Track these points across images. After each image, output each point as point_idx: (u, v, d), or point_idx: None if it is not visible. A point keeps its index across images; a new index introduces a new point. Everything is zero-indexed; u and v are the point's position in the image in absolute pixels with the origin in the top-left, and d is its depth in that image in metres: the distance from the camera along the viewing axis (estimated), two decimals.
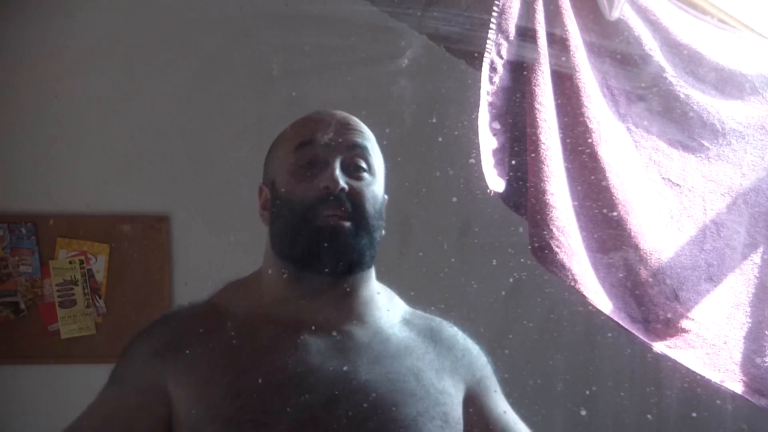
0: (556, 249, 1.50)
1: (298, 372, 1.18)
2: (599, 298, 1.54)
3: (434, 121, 2.50)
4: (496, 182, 1.51)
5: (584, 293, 1.52)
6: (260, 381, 1.17)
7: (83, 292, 2.74)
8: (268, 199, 1.30)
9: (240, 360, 1.20)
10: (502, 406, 1.35)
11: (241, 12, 2.68)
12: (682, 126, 1.69)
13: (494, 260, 2.47)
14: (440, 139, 2.45)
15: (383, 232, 1.30)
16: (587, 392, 2.61)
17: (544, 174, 1.51)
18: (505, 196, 1.55)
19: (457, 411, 1.26)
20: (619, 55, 1.64)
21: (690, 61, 1.70)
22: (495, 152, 1.52)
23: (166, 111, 2.75)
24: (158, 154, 2.76)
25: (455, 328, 1.37)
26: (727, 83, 1.74)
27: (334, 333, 1.24)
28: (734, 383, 1.64)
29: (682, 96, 1.68)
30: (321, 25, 2.57)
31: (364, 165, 1.26)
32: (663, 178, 1.67)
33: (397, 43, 2.20)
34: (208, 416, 1.16)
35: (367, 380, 1.20)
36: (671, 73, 1.67)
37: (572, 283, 1.51)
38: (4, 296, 2.71)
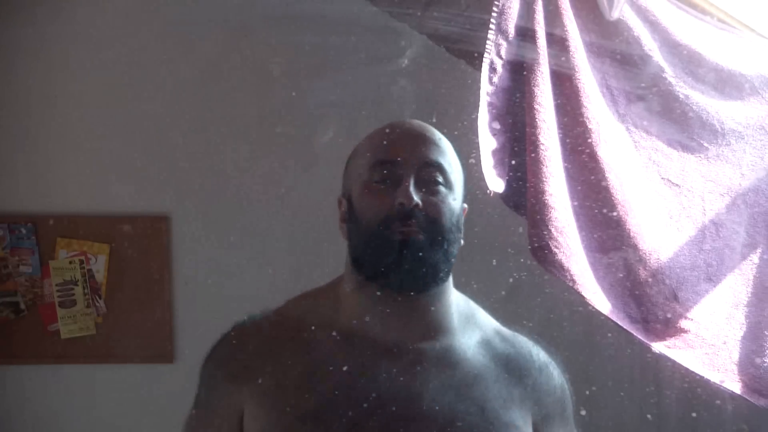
0: (555, 249, 1.50)
1: (363, 392, 1.19)
2: (598, 298, 1.54)
3: (434, 121, 2.50)
4: (495, 182, 1.51)
5: (583, 293, 1.52)
6: (324, 402, 1.18)
7: (83, 292, 2.74)
8: (346, 212, 1.30)
9: (308, 380, 1.21)
10: None
11: (241, 12, 2.68)
12: (682, 126, 1.69)
13: (494, 260, 2.47)
14: None
15: (462, 242, 1.30)
16: (587, 392, 2.60)
17: (544, 174, 1.51)
18: (504, 196, 1.55)
19: None
20: (619, 55, 1.64)
21: (689, 62, 1.70)
22: (495, 152, 1.52)
23: (166, 111, 2.75)
24: (158, 154, 2.76)
25: (535, 354, 1.35)
26: (726, 83, 1.74)
27: (406, 353, 1.24)
28: (734, 383, 1.64)
29: (681, 96, 1.68)
30: (321, 25, 2.57)
31: (439, 179, 1.26)
32: (662, 178, 1.67)
33: (397, 43, 2.21)
34: None
35: (430, 408, 1.20)
36: (671, 74, 1.67)
37: (571, 284, 1.51)
38: (4, 296, 2.71)
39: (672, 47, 1.69)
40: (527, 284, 2.42)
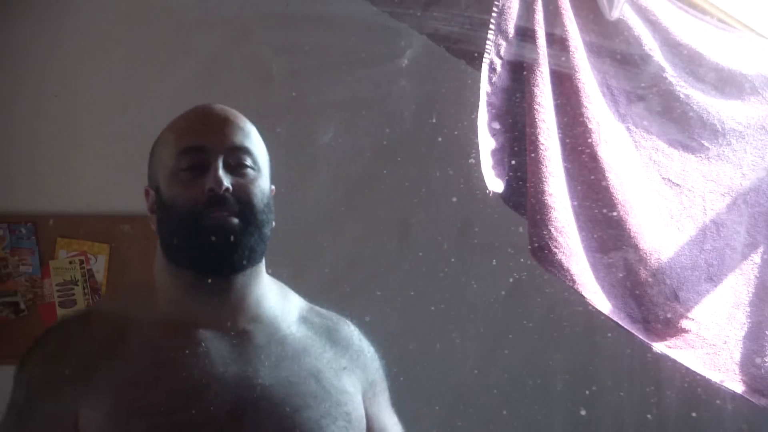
0: (556, 249, 1.50)
1: (201, 381, 1.18)
2: (599, 298, 1.54)
3: (434, 121, 2.50)
4: (494, 183, 1.51)
5: (583, 293, 1.52)
6: (163, 395, 1.16)
7: (83, 292, 2.73)
8: (155, 202, 1.28)
9: (141, 374, 1.19)
10: (387, 416, 1.35)
11: (241, 12, 2.68)
12: (682, 126, 1.69)
13: (494, 260, 2.47)
14: (440, 139, 2.46)
15: (273, 224, 1.29)
16: (587, 392, 2.60)
17: (544, 174, 1.51)
18: (504, 196, 1.55)
19: (358, 410, 1.27)
20: (619, 55, 1.64)
21: (690, 61, 1.70)
22: (494, 152, 1.52)
23: (166, 111, 2.74)
24: None
25: (351, 327, 1.37)
26: (727, 83, 1.74)
27: (232, 336, 1.23)
28: (734, 383, 1.64)
29: (682, 96, 1.68)
30: (321, 25, 2.57)
31: (247, 162, 1.25)
32: (663, 178, 1.67)
33: (397, 43, 2.21)
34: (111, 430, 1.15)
35: (270, 385, 1.20)
36: (671, 73, 1.67)
37: (571, 284, 1.51)
38: (4, 296, 2.71)
39: (672, 47, 1.69)
40: (527, 284, 2.43)
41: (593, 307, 1.55)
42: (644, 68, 1.66)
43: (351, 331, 1.36)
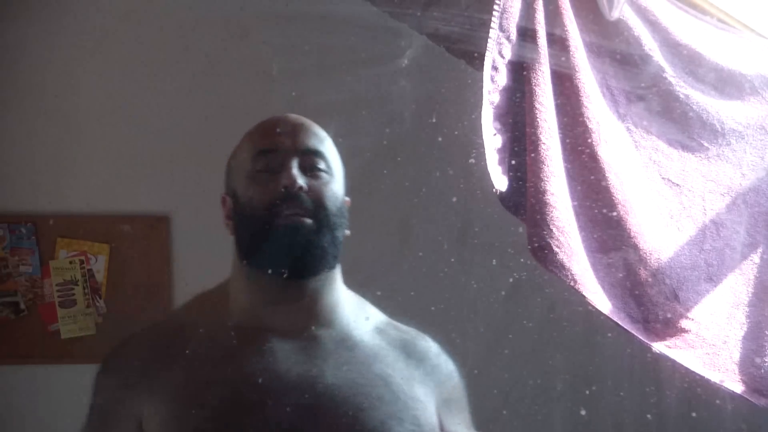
0: (556, 249, 1.50)
1: (266, 380, 1.19)
2: (598, 298, 1.54)
3: (434, 121, 2.50)
4: (500, 181, 1.51)
5: (583, 293, 1.52)
6: (229, 393, 1.18)
7: (83, 292, 2.74)
8: (231, 209, 1.31)
9: (209, 374, 1.21)
10: None
11: (241, 12, 2.69)
12: (682, 126, 1.69)
13: (494, 260, 2.47)
14: (440, 139, 2.46)
15: (347, 232, 1.31)
16: (587, 392, 2.61)
17: (544, 174, 1.51)
18: (504, 197, 1.55)
19: (430, 419, 1.26)
20: (619, 55, 1.64)
21: (690, 61, 1.70)
22: (496, 152, 1.52)
23: (166, 111, 2.75)
24: (158, 154, 2.76)
25: (430, 343, 1.37)
26: (726, 83, 1.74)
27: (301, 338, 1.25)
28: (734, 383, 1.63)
29: (681, 96, 1.68)
30: (321, 25, 2.58)
31: (321, 165, 1.28)
32: (663, 178, 1.67)
33: (397, 43, 2.20)
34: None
35: (334, 385, 1.20)
36: (671, 73, 1.67)
37: (571, 283, 1.51)
38: (4, 296, 2.71)
39: (672, 47, 1.69)
40: (527, 284, 2.43)
41: (593, 307, 1.55)
42: (644, 68, 1.66)
43: (429, 346, 1.35)
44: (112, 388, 1.27)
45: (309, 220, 1.22)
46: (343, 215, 1.29)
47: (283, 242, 1.22)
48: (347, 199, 1.33)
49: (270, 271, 1.24)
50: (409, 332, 1.37)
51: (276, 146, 1.28)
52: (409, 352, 1.32)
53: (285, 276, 1.24)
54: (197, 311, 1.33)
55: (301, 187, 1.23)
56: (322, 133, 1.33)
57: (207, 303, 1.34)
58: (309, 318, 1.27)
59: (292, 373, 1.20)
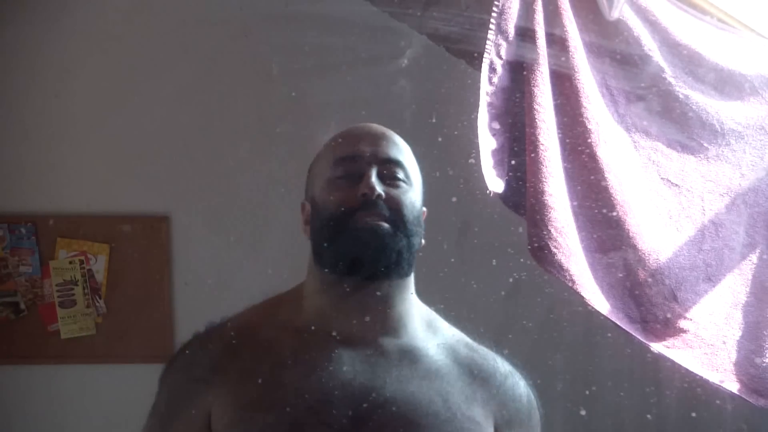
0: (555, 249, 1.50)
1: (327, 385, 1.21)
2: (597, 298, 1.54)
3: (434, 121, 2.50)
4: (495, 183, 1.51)
5: (582, 293, 1.52)
6: (292, 396, 1.20)
7: (83, 292, 2.74)
8: (310, 214, 1.32)
9: (274, 375, 1.23)
10: None
11: (241, 12, 2.68)
12: (681, 126, 1.69)
13: (494, 260, 2.47)
14: (440, 139, 2.45)
15: (422, 242, 1.32)
16: (587, 392, 2.60)
17: (543, 174, 1.51)
18: (504, 197, 1.55)
19: None
20: (619, 55, 1.64)
21: (689, 62, 1.70)
22: (494, 152, 1.52)
23: (166, 111, 2.75)
24: (158, 154, 2.76)
25: (500, 364, 1.36)
26: (726, 83, 1.74)
27: (368, 346, 1.25)
28: (733, 383, 1.64)
29: (681, 96, 1.68)
30: (321, 25, 2.57)
31: (400, 175, 1.30)
32: (662, 178, 1.67)
33: (397, 43, 2.20)
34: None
35: (393, 398, 1.21)
36: (670, 74, 1.67)
37: (571, 284, 1.51)
38: (4, 296, 2.71)
39: (672, 47, 1.69)
40: (527, 284, 2.42)
41: (593, 307, 1.55)
42: (644, 68, 1.66)
43: (496, 367, 1.35)
44: (183, 383, 1.28)
45: (386, 224, 1.24)
46: (419, 225, 1.31)
47: (359, 244, 1.23)
48: (425, 209, 1.35)
49: (345, 274, 1.25)
50: (479, 351, 1.37)
51: (356, 154, 1.29)
52: (474, 371, 1.32)
53: (359, 279, 1.25)
54: (270, 312, 1.33)
55: (379, 195, 1.24)
56: (403, 144, 1.35)
57: (280, 305, 1.35)
58: (379, 325, 1.28)
59: (356, 383, 1.21)
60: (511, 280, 2.54)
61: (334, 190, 1.28)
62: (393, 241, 1.24)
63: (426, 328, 1.33)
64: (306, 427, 1.19)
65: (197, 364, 1.28)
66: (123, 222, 2.75)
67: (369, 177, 1.26)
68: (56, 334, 2.72)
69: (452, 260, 2.73)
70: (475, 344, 1.38)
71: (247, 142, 2.70)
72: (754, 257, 1.70)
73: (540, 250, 1.50)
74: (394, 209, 1.25)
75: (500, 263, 2.43)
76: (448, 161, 2.38)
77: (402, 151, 1.34)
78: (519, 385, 1.36)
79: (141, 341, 2.72)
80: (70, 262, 2.74)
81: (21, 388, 2.72)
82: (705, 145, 1.70)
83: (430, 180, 2.61)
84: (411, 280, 1.33)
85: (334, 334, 1.25)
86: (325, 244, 1.27)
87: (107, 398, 2.69)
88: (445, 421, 1.22)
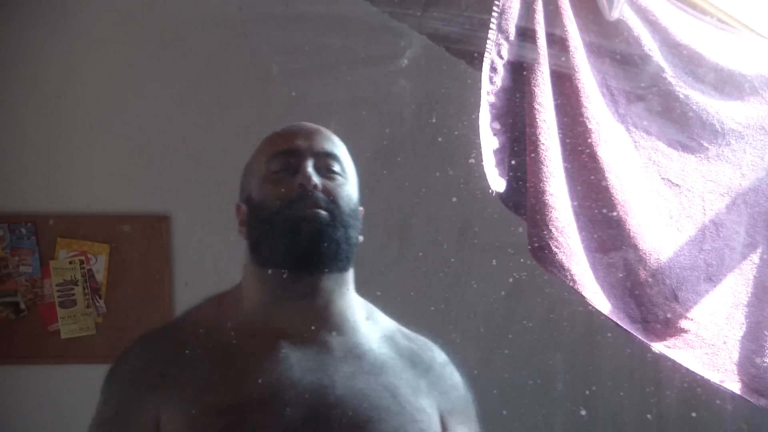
0: (555, 249, 1.50)
1: (278, 386, 1.21)
2: (598, 298, 1.54)
3: (434, 121, 2.50)
4: (497, 182, 1.51)
5: (583, 293, 1.52)
6: (243, 398, 1.20)
7: (83, 292, 2.74)
8: (246, 214, 1.32)
9: (222, 377, 1.22)
10: None
11: (241, 12, 2.69)
12: (682, 126, 1.69)
13: (494, 260, 2.47)
14: (440, 139, 2.46)
15: (361, 238, 1.32)
16: (587, 392, 2.61)
17: (544, 174, 1.51)
18: (504, 197, 1.55)
19: (435, 428, 1.28)
20: (619, 55, 1.64)
21: (689, 62, 1.70)
22: (495, 152, 1.52)
23: (166, 111, 2.75)
24: (158, 154, 2.76)
25: (437, 353, 1.38)
26: (726, 83, 1.74)
27: (312, 344, 1.26)
28: (733, 383, 1.63)
29: (681, 96, 1.68)
30: (321, 25, 2.58)
31: (336, 168, 1.31)
32: (662, 178, 1.66)
33: (397, 43, 2.21)
34: None
35: (344, 396, 1.22)
36: (670, 74, 1.67)
37: (571, 284, 1.51)
38: (4, 296, 2.71)
39: (672, 47, 1.69)
40: (527, 284, 2.42)
41: (593, 307, 1.55)
42: (644, 68, 1.66)
43: (434, 356, 1.36)
44: (130, 390, 1.27)
45: (323, 212, 1.24)
46: (357, 218, 1.31)
47: (298, 234, 1.23)
48: (362, 209, 1.35)
49: (283, 267, 1.25)
50: (417, 341, 1.37)
51: (292, 148, 1.30)
52: (415, 361, 1.33)
53: (298, 270, 1.25)
54: (210, 313, 1.33)
55: (316, 185, 1.25)
56: (338, 140, 1.36)
57: (219, 305, 1.35)
58: (320, 320, 1.28)
59: (306, 381, 1.22)
60: (511, 280, 2.54)
61: (270, 184, 1.28)
62: (331, 230, 1.24)
63: (367, 322, 1.34)
64: (259, 428, 1.18)
65: (143, 370, 1.27)
66: (123, 222, 2.75)
67: (306, 168, 1.27)
68: (56, 334, 2.72)
69: (452, 260, 2.74)
70: (411, 333, 1.39)
71: (247, 142, 2.70)
72: (754, 257, 1.70)
73: (540, 249, 1.50)
74: (331, 200, 1.26)
75: (500, 263, 2.44)
76: (448, 161, 2.38)
77: (337, 145, 1.35)
78: (456, 374, 1.37)
79: None
80: (70, 262, 2.74)
81: (21, 388, 2.72)
82: (705, 145, 1.70)
83: (430, 180, 2.62)
84: (350, 275, 1.33)
85: (279, 333, 1.25)
86: (264, 240, 1.27)
87: None
88: (396, 414, 1.23)
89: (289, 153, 1.30)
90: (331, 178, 1.29)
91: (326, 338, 1.27)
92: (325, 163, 1.30)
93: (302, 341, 1.26)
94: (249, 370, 1.22)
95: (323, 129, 1.36)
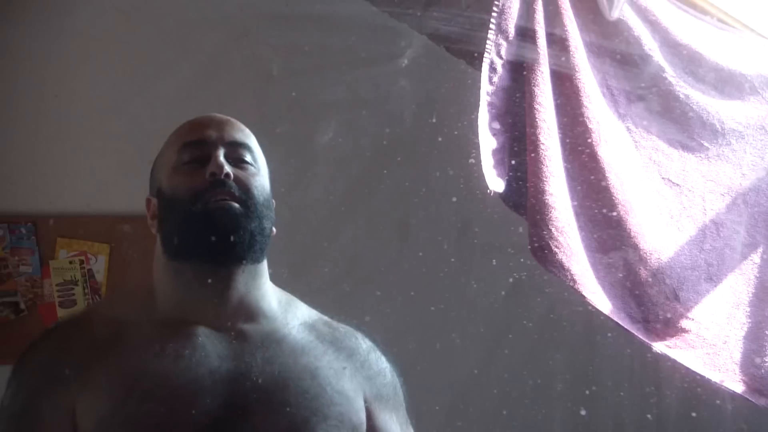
0: (556, 249, 1.50)
1: (193, 376, 1.19)
2: (599, 298, 1.54)
3: (434, 121, 2.50)
4: (495, 182, 1.51)
5: (583, 293, 1.52)
6: (161, 388, 1.18)
7: (83, 292, 2.73)
8: (156, 207, 1.30)
9: (140, 368, 1.20)
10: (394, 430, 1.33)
11: (241, 12, 2.68)
12: (682, 126, 1.69)
13: (494, 260, 2.47)
14: (440, 139, 2.45)
15: (273, 230, 1.30)
16: (587, 392, 2.61)
17: (544, 174, 1.51)
18: (504, 196, 1.55)
19: (356, 414, 1.26)
20: (619, 55, 1.64)
21: (690, 61, 1.70)
22: (495, 152, 1.52)
23: (166, 111, 2.74)
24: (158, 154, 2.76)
25: (360, 339, 1.36)
26: (726, 83, 1.74)
27: (228, 333, 1.24)
28: (734, 383, 1.64)
29: (681, 96, 1.68)
30: (321, 25, 2.57)
31: (248, 158, 1.29)
32: (663, 178, 1.67)
33: (397, 43, 2.21)
34: (111, 425, 1.16)
35: (261, 381, 1.20)
36: (671, 73, 1.67)
37: (571, 283, 1.51)
38: (4, 296, 2.71)
39: (672, 47, 1.69)
40: (527, 284, 2.43)
41: (593, 307, 1.55)
42: (644, 68, 1.66)
43: (359, 342, 1.35)
44: (42, 383, 1.23)
45: (236, 205, 1.22)
46: (270, 209, 1.29)
47: (210, 225, 1.21)
48: (273, 202, 1.33)
49: (197, 259, 1.23)
50: (339, 328, 1.36)
51: (202, 138, 1.28)
52: (338, 347, 1.31)
53: (212, 264, 1.23)
54: (124, 305, 1.31)
55: (228, 174, 1.23)
56: (248, 131, 1.34)
57: (132, 298, 1.33)
58: (235, 311, 1.26)
59: (223, 369, 1.20)
60: (511, 280, 2.54)
61: (181, 175, 1.26)
62: (244, 220, 1.22)
63: (285, 311, 1.32)
64: (177, 417, 1.17)
65: (55, 361, 1.24)
66: (123, 222, 2.75)
67: (217, 157, 1.25)
68: None
69: (452, 260, 2.74)
70: (334, 322, 1.37)
71: None
72: (755, 257, 1.70)
73: (541, 249, 1.50)
74: (244, 189, 1.24)
75: (500, 263, 2.44)
76: (448, 161, 2.38)
77: (248, 136, 1.33)
78: (382, 359, 1.36)
79: None
80: (70, 262, 2.73)
81: None
82: (706, 144, 1.70)
83: (430, 180, 2.62)
84: (264, 267, 1.31)
85: (193, 324, 1.23)
86: (176, 232, 1.25)
87: None
88: (315, 396, 1.22)
89: (199, 143, 1.28)
90: (243, 168, 1.27)
91: (242, 327, 1.25)
92: (237, 153, 1.28)
93: (217, 330, 1.24)
94: (165, 359, 1.20)
95: (234, 120, 1.34)
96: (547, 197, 1.51)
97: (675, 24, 1.70)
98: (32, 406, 1.23)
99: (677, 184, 1.67)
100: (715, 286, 1.66)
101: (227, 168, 1.24)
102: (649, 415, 2.65)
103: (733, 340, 1.65)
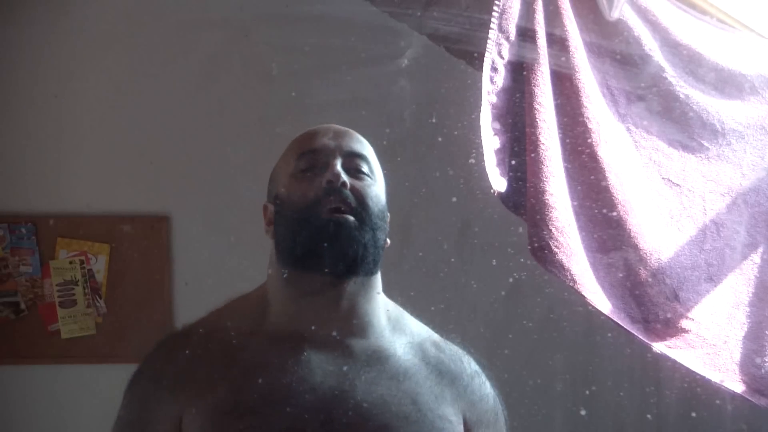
0: (556, 249, 1.50)
1: (298, 390, 1.20)
2: (599, 298, 1.54)
3: (434, 121, 2.50)
4: (498, 182, 1.51)
5: (583, 293, 1.52)
6: (263, 402, 1.19)
7: (83, 292, 2.74)
8: (273, 214, 1.31)
9: (244, 381, 1.22)
10: None
11: (241, 12, 2.68)
12: (682, 126, 1.69)
13: (494, 260, 2.47)
14: (440, 139, 2.46)
15: (388, 241, 1.30)
16: (587, 392, 2.61)
17: (544, 174, 1.51)
18: (504, 197, 1.55)
19: None
20: (619, 55, 1.64)
21: (690, 61, 1.70)
22: (495, 152, 1.52)
23: (166, 111, 2.75)
24: (158, 154, 2.76)
25: (466, 363, 1.35)
26: (726, 83, 1.74)
27: (335, 348, 1.25)
28: (734, 383, 1.63)
29: (681, 96, 1.68)
30: (321, 25, 2.57)
31: (364, 169, 1.29)
32: (663, 178, 1.67)
33: (397, 43, 2.20)
34: None
35: (363, 401, 1.21)
36: (671, 73, 1.67)
37: (571, 284, 1.51)
38: (4, 296, 2.71)
39: (672, 47, 1.69)
40: (527, 284, 2.43)
41: (593, 307, 1.55)
42: (644, 68, 1.66)
43: (464, 366, 1.34)
44: (152, 393, 1.27)
45: (351, 218, 1.23)
46: (384, 221, 1.29)
47: (325, 238, 1.21)
48: (388, 215, 1.33)
49: (310, 269, 1.24)
50: (448, 351, 1.35)
51: (320, 147, 1.29)
52: (441, 370, 1.31)
53: (325, 276, 1.23)
54: (235, 316, 1.32)
55: (344, 183, 1.24)
56: (366, 143, 1.35)
57: (244, 308, 1.34)
58: (344, 325, 1.26)
59: (325, 386, 1.21)
60: (511, 280, 2.54)
61: (298, 182, 1.27)
62: (359, 233, 1.23)
63: (393, 328, 1.32)
64: (276, 431, 1.18)
65: (166, 373, 1.27)
66: (123, 222, 2.75)
67: (334, 166, 1.26)
68: (56, 334, 2.72)
69: (452, 260, 2.74)
70: (443, 343, 1.37)
71: (247, 142, 2.70)
72: (755, 257, 1.70)
73: (541, 249, 1.50)
74: (359, 200, 1.25)
75: (500, 263, 2.44)
76: (448, 161, 2.38)
77: (366, 146, 1.34)
78: (485, 385, 1.36)
79: (141, 341, 2.69)
80: (71, 262, 2.74)
81: (21, 388, 2.72)
82: (706, 144, 1.70)
83: (430, 180, 2.62)
84: (378, 279, 1.31)
85: (302, 335, 1.24)
86: (291, 240, 1.25)
87: (107, 398, 2.68)
88: (415, 422, 1.22)
89: (317, 152, 1.29)
90: (360, 178, 1.28)
91: (349, 342, 1.26)
92: (354, 163, 1.29)
93: (325, 345, 1.24)
94: (270, 372, 1.22)
95: (352, 131, 1.35)
96: (547, 197, 1.51)
97: (675, 24, 1.70)
98: (140, 416, 1.26)
99: (677, 184, 1.67)
100: (716, 286, 1.66)
101: (344, 177, 1.25)
102: (649, 415, 2.65)
103: (733, 340, 1.65)
